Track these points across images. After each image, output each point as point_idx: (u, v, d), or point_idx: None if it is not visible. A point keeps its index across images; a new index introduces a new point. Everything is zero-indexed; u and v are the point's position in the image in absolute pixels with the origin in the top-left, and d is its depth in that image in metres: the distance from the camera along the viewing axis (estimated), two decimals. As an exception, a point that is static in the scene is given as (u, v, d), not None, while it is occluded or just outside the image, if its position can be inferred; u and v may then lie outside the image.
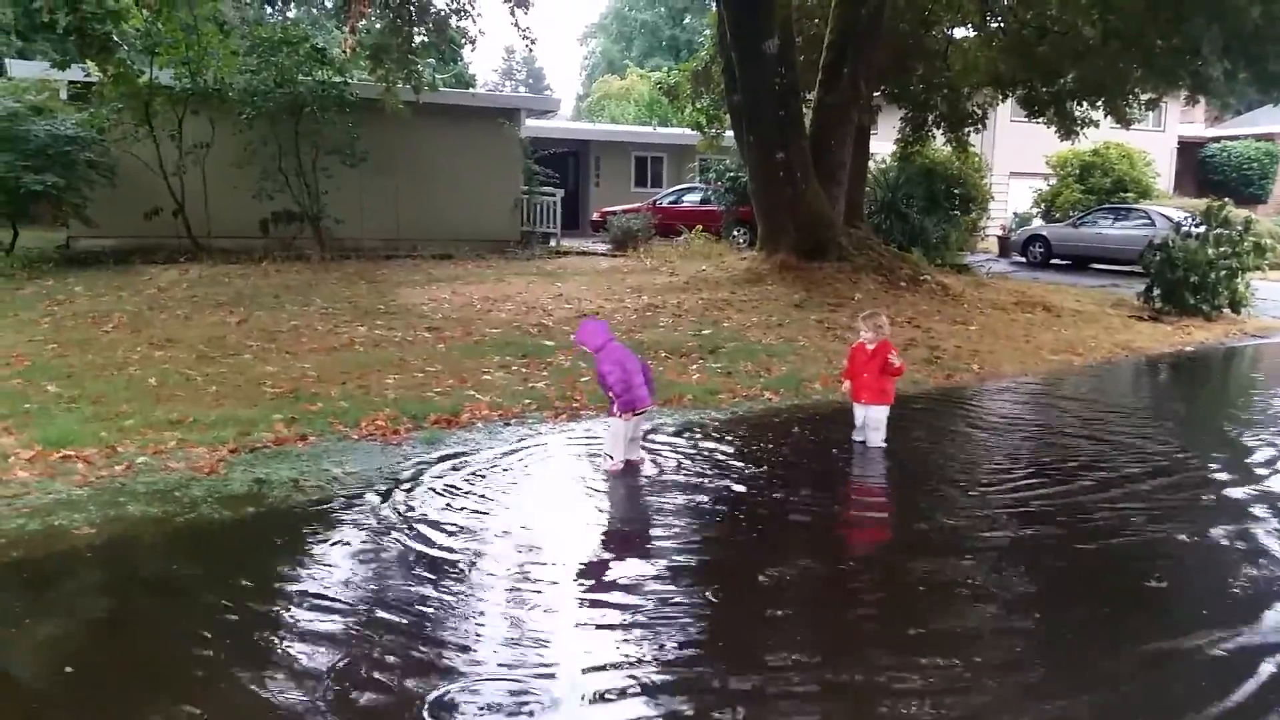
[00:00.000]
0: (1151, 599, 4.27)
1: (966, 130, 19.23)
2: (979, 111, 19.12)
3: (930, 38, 17.98)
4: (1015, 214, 28.23)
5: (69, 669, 3.35)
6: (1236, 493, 5.70)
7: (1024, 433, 7.41)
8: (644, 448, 6.03)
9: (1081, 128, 18.22)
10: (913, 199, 19.74)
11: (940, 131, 19.44)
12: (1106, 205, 24.16)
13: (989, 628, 3.88)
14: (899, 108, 19.09)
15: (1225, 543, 4.85)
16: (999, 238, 25.88)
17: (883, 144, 20.80)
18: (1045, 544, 4.81)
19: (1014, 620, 3.96)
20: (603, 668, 3.40)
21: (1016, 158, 28.78)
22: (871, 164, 19.27)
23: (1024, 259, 23.39)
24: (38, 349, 8.45)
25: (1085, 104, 17.75)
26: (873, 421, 6.42)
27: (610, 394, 5.77)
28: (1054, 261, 22.76)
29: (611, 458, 5.77)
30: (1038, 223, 26.30)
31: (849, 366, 6.64)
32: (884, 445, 6.39)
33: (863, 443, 6.45)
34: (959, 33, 18.70)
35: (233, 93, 15.26)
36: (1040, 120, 18.75)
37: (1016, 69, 16.87)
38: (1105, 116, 18.27)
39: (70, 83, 15.85)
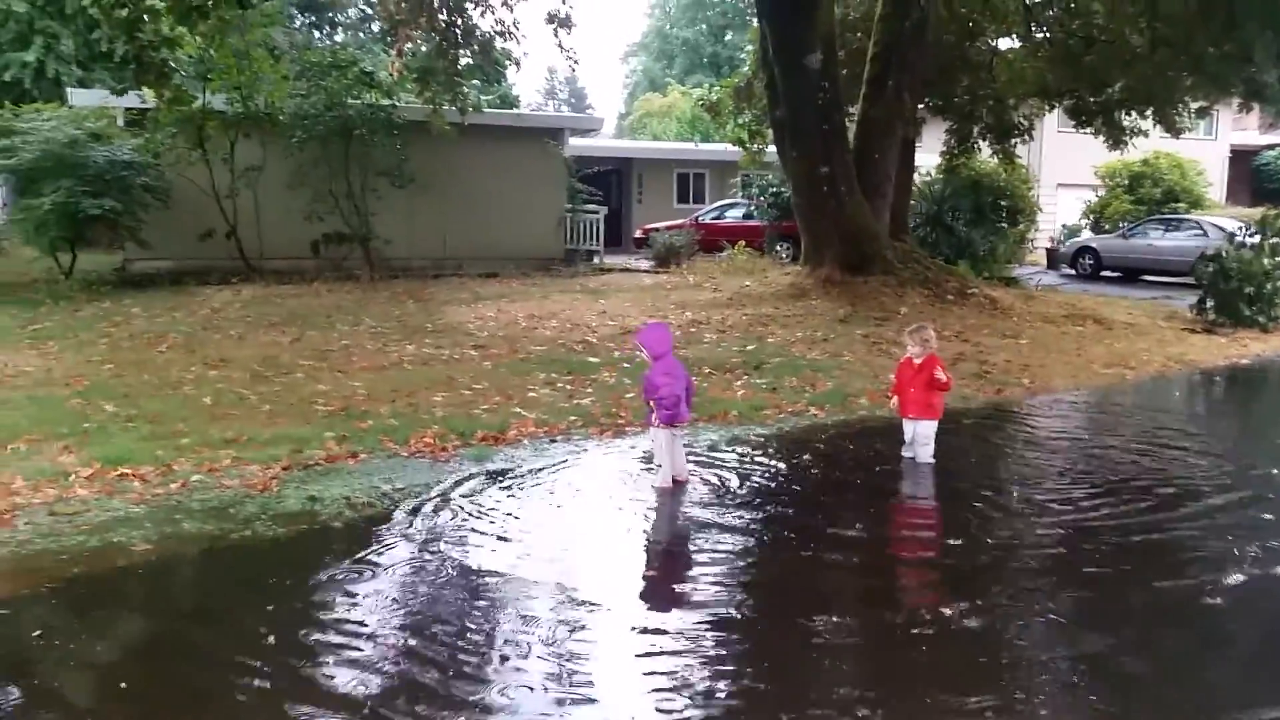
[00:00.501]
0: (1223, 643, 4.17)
1: (1013, 141, 19.05)
2: (1025, 122, 18.94)
3: (975, 49, 17.86)
4: (1064, 226, 27.85)
5: (123, 684, 3.42)
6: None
7: (1078, 448, 7.30)
8: (689, 463, 6.03)
9: (1130, 137, 17.98)
10: (959, 211, 19.56)
11: (986, 143, 19.28)
12: (1157, 216, 23.77)
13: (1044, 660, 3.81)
14: (944, 120, 18.97)
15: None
16: (1047, 250, 25.55)
17: (928, 156, 20.65)
18: (1099, 565, 4.72)
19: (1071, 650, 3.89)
20: (650, 690, 3.40)
21: (1064, 169, 28.41)
22: (916, 177, 19.13)
23: (1073, 271, 23.06)
24: (96, 369, 8.67)
25: (1134, 113, 17.52)
26: (920, 437, 6.35)
27: (657, 404, 5.67)
28: (1104, 273, 22.42)
29: (661, 468, 5.75)
30: (1087, 234, 25.93)
31: (896, 382, 6.59)
32: (933, 461, 6.31)
33: (912, 458, 6.38)
34: (1004, 43, 18.55)
35: (284, 116, 15.56)
36: (1088, 130, 18.53)
37: (1063, 79, 16.72)
38: (1155, 126, 18.02)
39: (127, 109, 16.27)
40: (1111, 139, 18.05)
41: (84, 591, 4.19)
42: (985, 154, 20.00)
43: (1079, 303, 15.62)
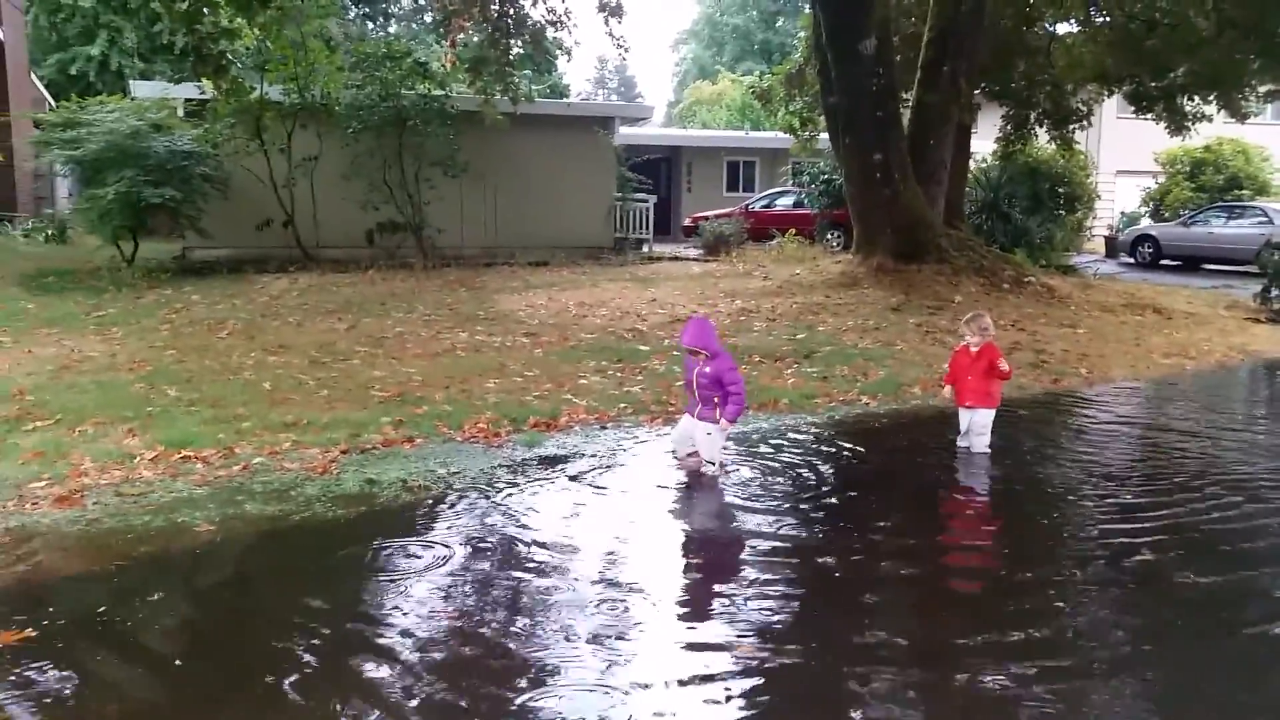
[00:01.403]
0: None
1: (1071, 128, 18.71)
2: (1084, 108, 18.59)
3: (1032, 33, 17.56)
4: (1122, 213, 27.33)
5: (180, 659, 3.52)
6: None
7: (1139, 438, 7.18)
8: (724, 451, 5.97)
9: (1193, 123, 17.59)
10: (1015, 199, 19.26)
11: (1043, 129, 18.96)
12: (1220, 203, 23.19)
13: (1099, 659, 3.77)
14: (1000, 105, 18.69)
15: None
16: (1106, 238, 25.07)
17: (983, 143, 20.35)
18: (1166, 566, 4.64)
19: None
20: (688, 681, 3.42)
21: (1123, 155, 27.84)
22: (972, 163, 18.89)
23: (1132, 260, 22.61)
24: (158, 354, 8.87)
25: (1197, 98, 17.11)
26: (978, 426, 6.29)
27: (729, 397, 5.59)
28: (1163, 262, 21.96)
29: (714, 464, 5.71)
30: (1146, 222, 25.41)
31: (951, 370, 6.53)
32: (989, 450, 6.27)
33: (967, 448, 6.33)
34: (1062, 28, 18.21)
35: (339, 107, 15.76)
36: (1149, 116, 18.15)
37: (1123, 64, 16.37)
38: (1219, 111, 17.60)
39: (186, 100, 16.60)
40: (1173, 125, 17.66)
41: (151, 569, 4.30)
42: (1043, 140, 19.67)
43: (1138, 292, 15.32)
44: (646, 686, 3.30)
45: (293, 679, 3.34)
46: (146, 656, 3.52)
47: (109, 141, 14.25)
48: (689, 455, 5.86)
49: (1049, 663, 3.47)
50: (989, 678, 3.37)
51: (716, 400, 5.64)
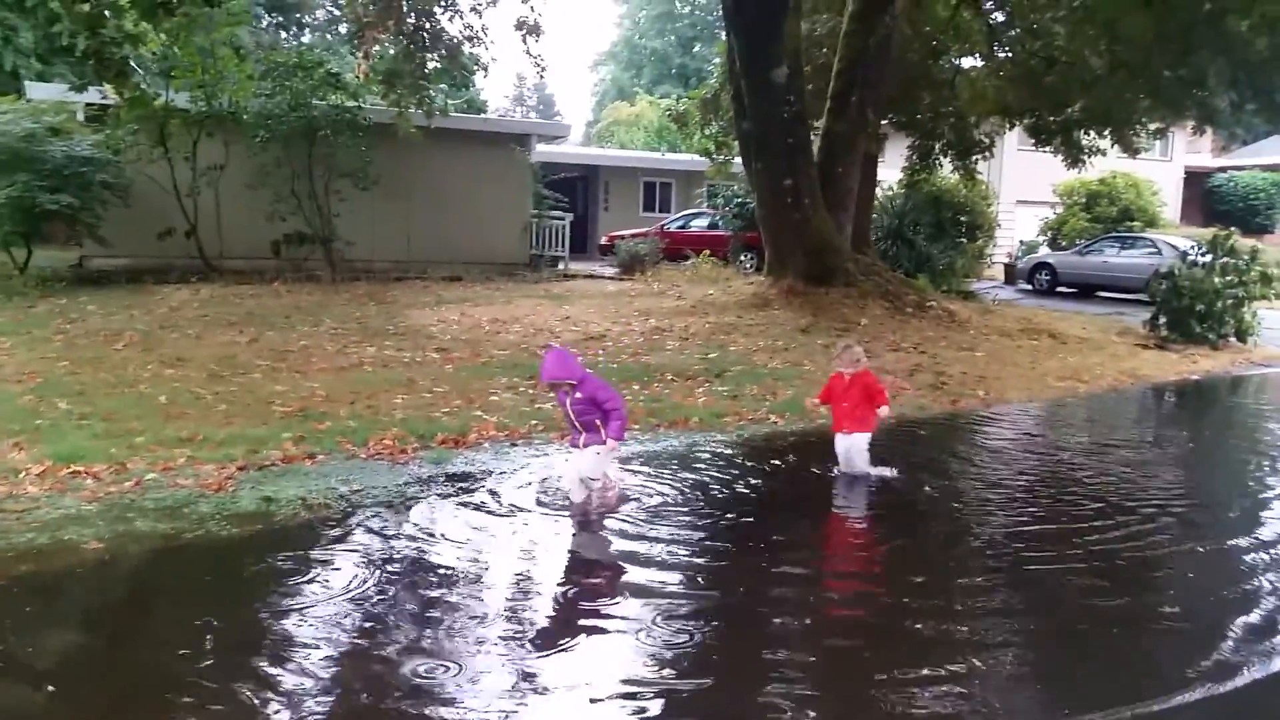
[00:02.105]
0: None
1: (974, 158, 19.35)
2: (986, 140, 19.24)
3: (938, 67, 18.14)
4: (1021, 242, 28.31)
5: (64, 681, 3.39)
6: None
7: (1030, 457, 7.44)
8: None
9: (1088, 156, 18.33)
10: (920, 226, 19.81)
11: (947, 159, 19.56)
12: (1113, 234, 24.21)
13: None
14: (906, 136, 19.23)
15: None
16: (1005, 265, 25.94)
17: (890, 171, 20.92)
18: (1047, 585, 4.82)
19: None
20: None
21: (1023, 186, 28.88)
22: (879, 191, 19.38)
23: (1030, 286, 23.42)
24: (50, 366, 8.54)
25: (1092, 133, 17.86)
26: (855, 449, 6.28)
27: (609, 415, 5.49)
28: (1060, 289, 22.79)
29: (597, 480, 5.60)
30: (1044, 250, 26.37)
31: (826, 394, 6.53)
32: (870, 471, 6.30)
33: (849, 474, 6.32)
34: (967, 62, 18.86)
35: (247, 116, 15.43)
36: (1047, 149, 18.87)
37: (1024, 98, 17.01)
38: (1112, 145, 18.39)
39: (87, 105, 16.03)
40: (1070, 158, 18.39)
41: (33, 588, 4.14)
42: (946, 170, 20.29)
43: (1034, 317, 15.88)
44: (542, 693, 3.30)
45: (180, 702, 3.24)
46: (24, 679, 3.38)
47: (1, 144, 13.69)
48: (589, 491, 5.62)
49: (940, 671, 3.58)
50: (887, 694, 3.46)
51: (598, 423, 5.53)
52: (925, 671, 3.57)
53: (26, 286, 13.35)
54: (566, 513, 5.41)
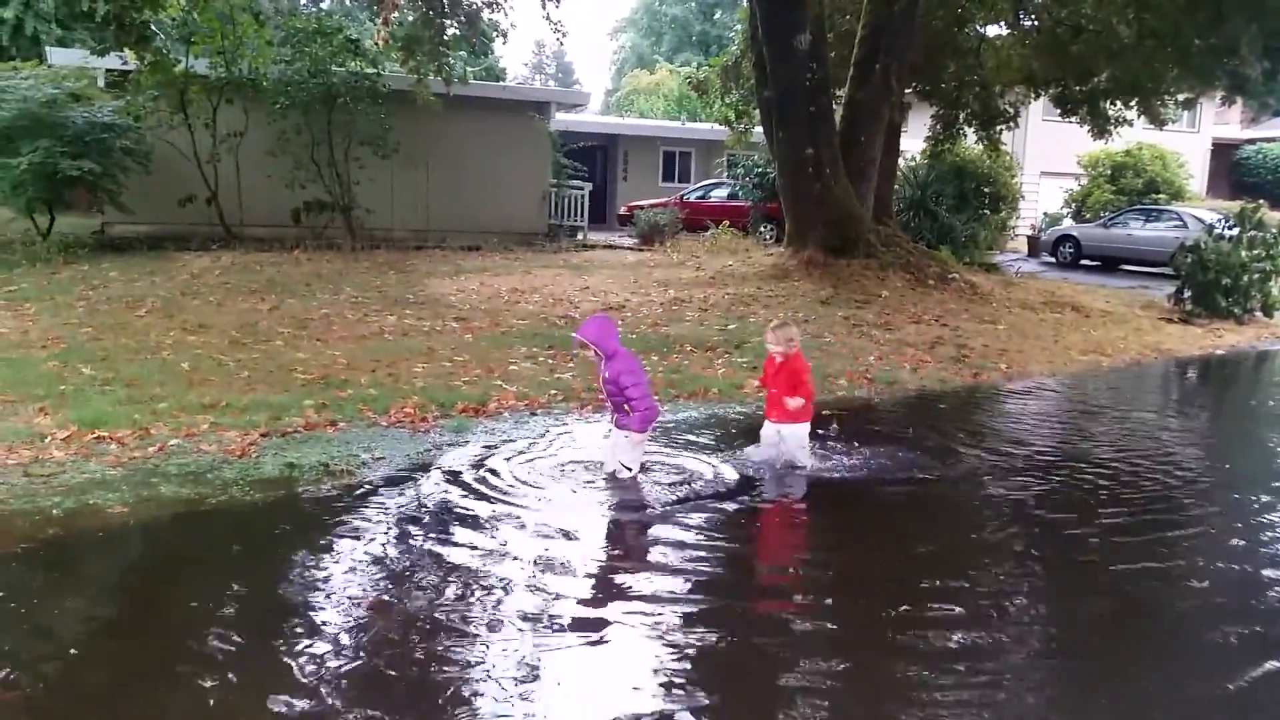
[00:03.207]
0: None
1: (998, 128, 19.08)
2: (1011, 110, 18.97)
3: (963, 35, 17.85)
4: (1045, 214, 27.99)
5: (89, 644, 3.43)
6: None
7: (1055, 429, 7.39)
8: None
9: (1114, 127, 18.04)
10: (942, 197, 19.62)
11: (971, 129, 19.30)
12: (1138, 206, 23.90)
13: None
14: (930, 105, 18.97)
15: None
16: (1028, 237, 25.68)
17: (913, 141, 20.68)
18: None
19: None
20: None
21: (1048, 157, 28.50)
22: (901, 161, 19.16)
23: (1053, 259, 23.19)
24: (73, 332, 8.60)
25: (1119, 103, 17.58)
26: (791, 440, 5.63)
27: (626, 404, 5.29)
28: (1083, 262, 22.56)
29: (629, 469, 5.41)
30: (1068, 223, 26.06)
31: (762, 380, 5.94)
32: (807, 466, 5.66)
33: (768, 461, 5.71)
34: (992, 30, 18.55)
35: (267, 82, 15.38)
36: (1073, 119, 18.58)
37: (1050, 67, 16.74)
38: (1139, 116, 18.10)
39: (108, 70, 16.03)
40: (1095, 128, 18.11)
41: (59, 552, 4.18)
42: (970, 140, 20.05)
43: (1058, 290, 15.74)
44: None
45: (202, 665, 3.28)
46: (49, 642, 3.42)
47: (22, 110, 13.68)
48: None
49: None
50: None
51: (626, 407, 5.34)
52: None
53: (50, 253, 13.41)
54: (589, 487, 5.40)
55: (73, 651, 3.36)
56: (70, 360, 7.44)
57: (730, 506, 5.14)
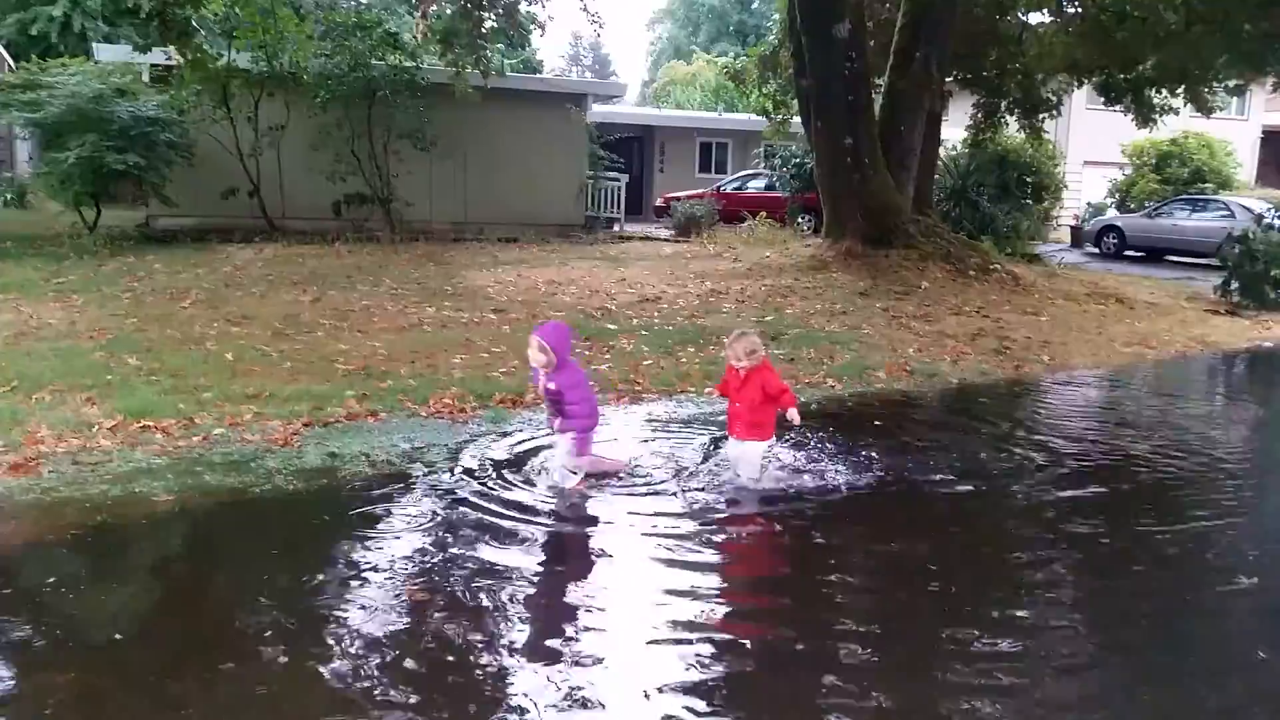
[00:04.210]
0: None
1: (1040, 117, 18.85)
2: (1054, 98, 18.73)
3: (1005, 22, 17.63)
4: (1089, 204, 27.58)
5: (135, 629, 3.49)
6: None
7: (1094, 425, 7.29)
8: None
9: (1160, 115, 17.77)
10: (984, 187, 19.40)
11: (1013, 118, 19.08)
12: (1184, 196, 23.46)
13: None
14: (971, 93, 18.78)
15: None
16: (1072, 228, 25.33)
17: (954, 130, 20.46)
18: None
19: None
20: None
21: (1091, 146, 28.08)
22: (942, 150, 18.97)
23: (1097, 250, 22.86)
24: (119, 323, 8.74)
25: (1165, 91, 17.29)
26: (745, 460, 5.18)
27: (566, 413, 5.06)
28: (1128, 253, 22.21)
29: (574, 473, 5.08)
30: (1112, 213, 25.66)
31: (722, 384, 5.41)
32: (757, 485, 5.14)
33: (734, 477, 5.23)
34: (1034, 18, 18.30)
35: (307, 76, 15.53)
36: (1117, 108, 18.32)
37: (1093, 55, 16.49)
38: (1185, 104, 17.80)
39: (152, 65, 16.28)
40: (1140, 117, 17.84)
41: (106, 539, 4.25)
42: (1012, 129, 19.80)
43: (1102, 281, 15.50)
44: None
45: (246, 653, 3.33)
46: (96, 628, 3.49)
47: (70, 105, 13.95)
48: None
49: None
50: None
51: (560, 411, 5.13)
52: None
53: (96, 245, 13.65)
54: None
55: (119, 636, 3.42)
56: (116, 351, 7.57)
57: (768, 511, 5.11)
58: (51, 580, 3.81)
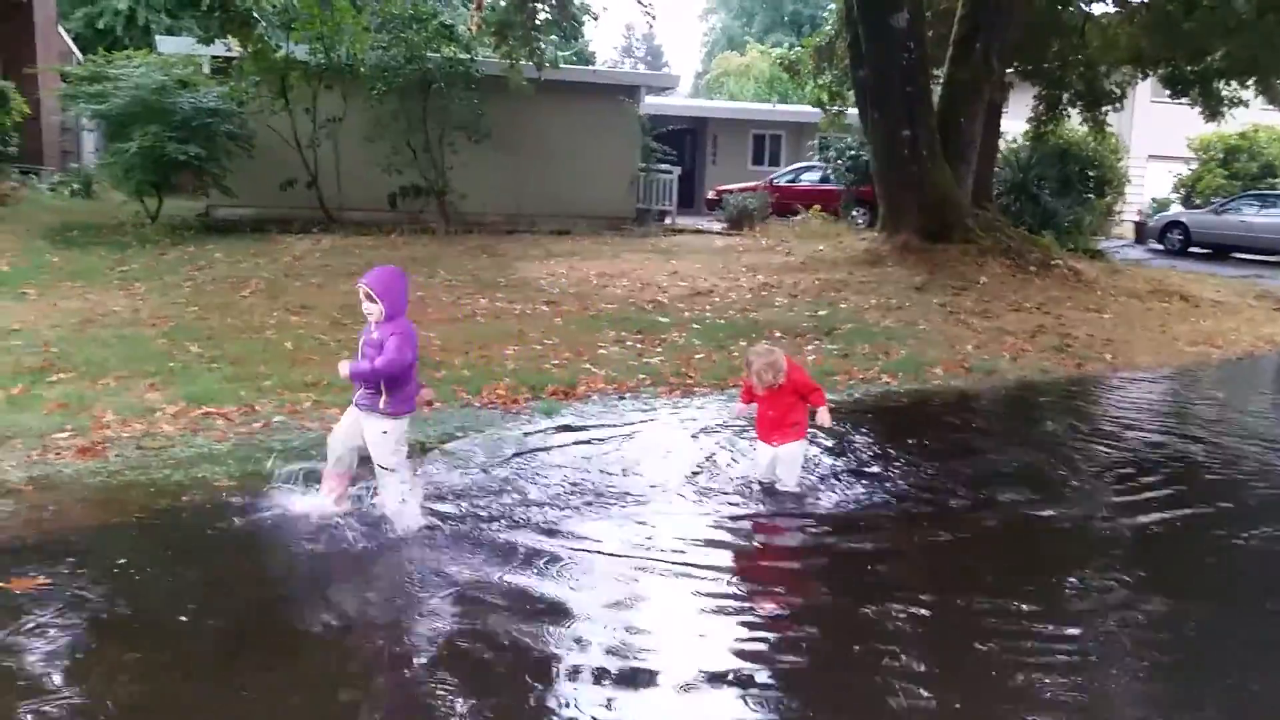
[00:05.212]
0: None
1: (1104, 110, 18.41)
2: (1117, 90, 18.29)
3: (1067, 12, 17.21)
4: (1153, 199, 26.97)
5: (194, 614, 3.54)
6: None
7: (1159, 428, 7.11)
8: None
9: (1229, 108, 17.27)
10: (1045, 180, 19.04)
11: (1076, 110, 18.67)
12: (1253, 192, 22.83)
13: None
14: (1032, 85, 18.41)
15: None
16: (1135, 223, 24.78)
17: (1014, 122, 20.09)
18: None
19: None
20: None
21: (1156, 140, 27.43)
22: (1002, 143, 18.65)
23: (1160, 246, 22.34)
24: (180, 311, 8.90)
25: (1234, 83, 16.80)
26: (786, 459, 5.01)
27: (377, 378, 4.18)
28: (1192, 250, 21.68)
29: (388, 469, 4.29)
30: (1177, 209, 25.06)
31: (745, 393, 5.19)
32: (799, 489, 5.02)
33: (771, 484, 5.05)
34: (1097, 8, 17.88)
35: (364, 68, 15.67)
36: (1184, 100, 17.84)
37: (1160, 46, 16.06)
38: (1256, 96, 17.27)
39: (213, 57, 16.53)
40: (1208, 110, 17.37)
41: (169, 522, 4.32)
42: (1074, 122, 19.39)
43: (1166, 278, 15.14)
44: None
45: (304, 635, 3.37)
46: (160, 608, 3.54)
47: (134, 96, 14.22)
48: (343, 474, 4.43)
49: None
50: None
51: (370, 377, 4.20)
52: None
53: (158, 234, 13.93)
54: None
55: (183, 619, 3.47)
56: (178, 338, 7.71)
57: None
58: (119, 561, 3.88)
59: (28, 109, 16.94)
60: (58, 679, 3.02)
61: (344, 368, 4.26)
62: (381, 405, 4.22)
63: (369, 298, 4.20)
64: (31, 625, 3.31)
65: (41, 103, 18.34)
